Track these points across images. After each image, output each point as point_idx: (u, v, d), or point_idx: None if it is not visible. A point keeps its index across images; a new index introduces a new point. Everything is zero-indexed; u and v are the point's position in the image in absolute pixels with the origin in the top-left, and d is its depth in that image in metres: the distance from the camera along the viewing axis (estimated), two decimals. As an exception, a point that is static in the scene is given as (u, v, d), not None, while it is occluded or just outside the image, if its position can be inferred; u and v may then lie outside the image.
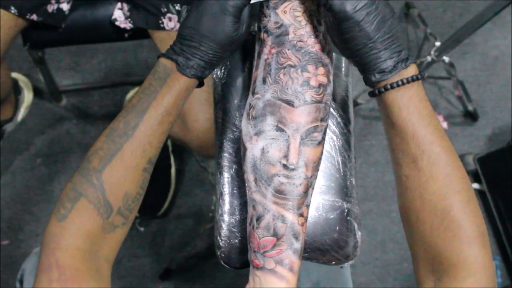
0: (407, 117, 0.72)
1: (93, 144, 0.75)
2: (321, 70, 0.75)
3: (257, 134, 0.76)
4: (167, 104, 0.75)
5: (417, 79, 0.72)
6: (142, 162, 0.75)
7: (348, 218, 0.85)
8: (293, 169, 0.74)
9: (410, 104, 0.72)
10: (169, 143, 1.80)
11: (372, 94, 0.75)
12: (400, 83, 0.71)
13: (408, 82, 0.71)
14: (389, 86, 0.71)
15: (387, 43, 0.71)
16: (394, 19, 0.71)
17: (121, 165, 0.73)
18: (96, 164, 0.73)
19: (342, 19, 0.69)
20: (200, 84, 0.78)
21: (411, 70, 0.72)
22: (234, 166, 0.83)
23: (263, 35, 0.78)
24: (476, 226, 0.71)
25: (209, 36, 0.73)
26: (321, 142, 0.77)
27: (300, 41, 0.76)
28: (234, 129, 0.84)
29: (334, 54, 0.80)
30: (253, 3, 0.76)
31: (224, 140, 0.85)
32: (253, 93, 0.78)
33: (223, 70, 0.86)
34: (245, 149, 0.78)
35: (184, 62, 0.74)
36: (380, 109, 0.76)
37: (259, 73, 0.78)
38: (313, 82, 0.75)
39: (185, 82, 0.75)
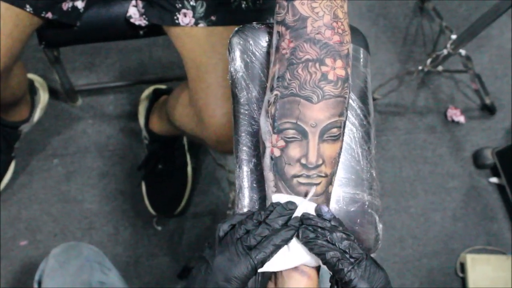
0: None
1: None
2: (339, 63, 0.75)
3: (276, 132, 0.75)
4: None
5: None
6: None
7: (369, 210, 0.84)
8: (312, 168, 0.74)
9: None
10: (185, 141, 1.79)
11: None
12: None
13: None
14: None
15: None
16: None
17: None
18: None
19: None
20: None
21: None
22: (253, 160, 0.82)
23: (281, 28, 0.78)
24: None
25: None
26: (340, 137, 0.76)
27: (318, 33, 0.75)
28: (253, 122, 0.83)
29: (352, 45, 0.79)
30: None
31: (243, 134, 0.84)
32: (271, 90, 0.77)
33: (240, 62, 0.85)
34: (264, 147, 0.77)
35: None
36: None
37: (277, 69, 0.77)
38: (331, 76, 0.74)
39: None
